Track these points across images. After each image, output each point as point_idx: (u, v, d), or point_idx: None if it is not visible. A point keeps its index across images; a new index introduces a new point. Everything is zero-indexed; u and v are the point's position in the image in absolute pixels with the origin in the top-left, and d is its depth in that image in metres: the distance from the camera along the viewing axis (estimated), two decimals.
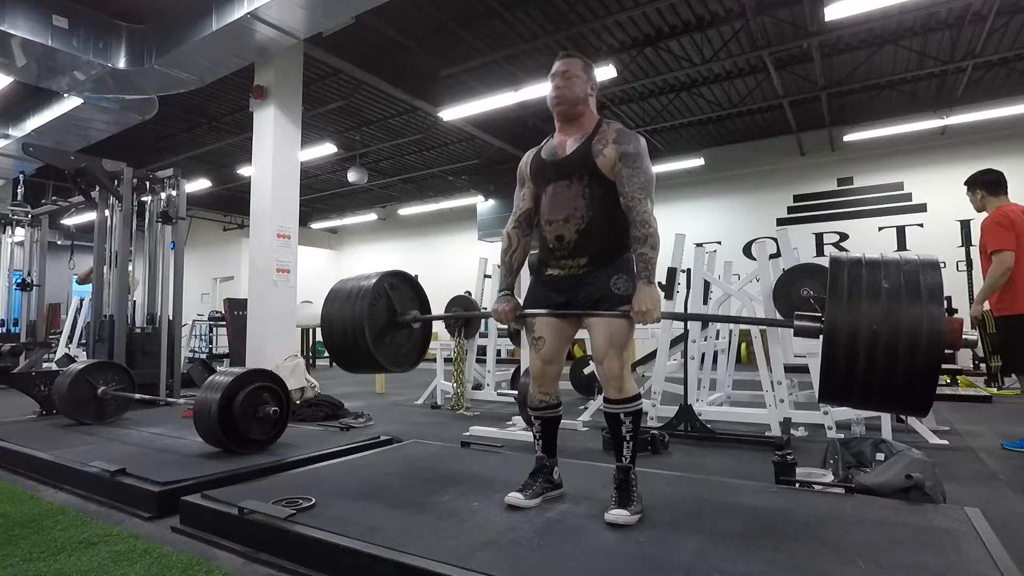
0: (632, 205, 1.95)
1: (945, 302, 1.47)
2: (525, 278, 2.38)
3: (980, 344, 3.81)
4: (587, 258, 2.01)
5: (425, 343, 2.61)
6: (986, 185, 3.68)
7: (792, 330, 1.80)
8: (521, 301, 2.20)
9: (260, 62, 6.06)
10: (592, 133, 2.05)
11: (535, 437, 2.19)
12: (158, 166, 8.53)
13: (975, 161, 9.21)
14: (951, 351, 1.43)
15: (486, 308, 5.77)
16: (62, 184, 10.04)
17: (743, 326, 5.44)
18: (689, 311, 4.33)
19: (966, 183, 3.79)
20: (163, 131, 9.68)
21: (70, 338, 7.65)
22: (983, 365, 6.92)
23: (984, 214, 3.73)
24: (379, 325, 2.34)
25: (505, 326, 2.34)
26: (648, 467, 2.61)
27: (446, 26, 6.69)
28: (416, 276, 2.66)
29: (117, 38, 5.93)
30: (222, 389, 2.89)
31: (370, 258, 16.32)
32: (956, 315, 1.56)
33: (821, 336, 1.57)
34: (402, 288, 2.50)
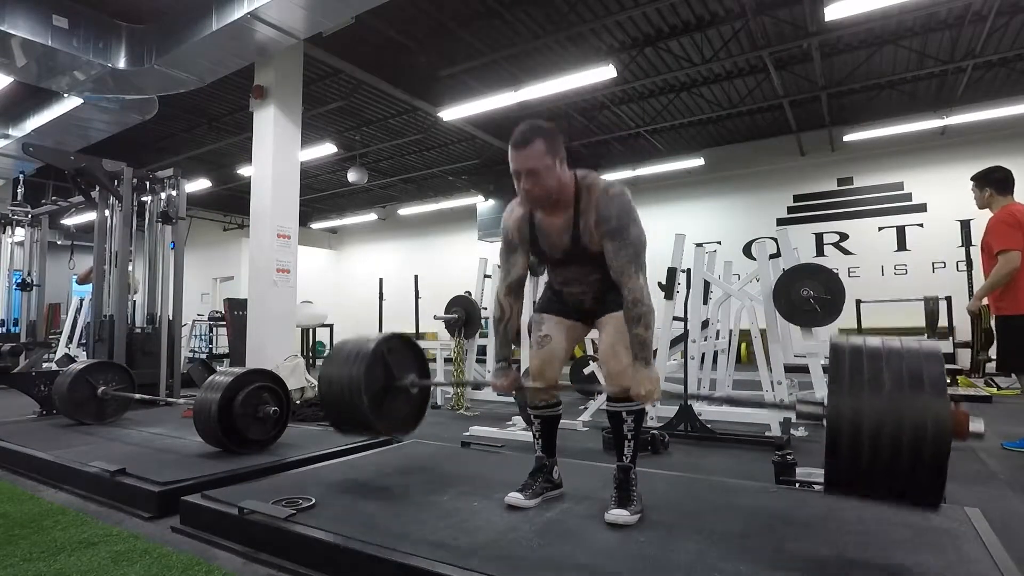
0: (622, 281, 1.87)
1: (949, 396, 1.45)
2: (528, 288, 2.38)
3: (971, 336, 3.82)
4: (606, 293, 2.03)
5: (423, 406, 2.56)
6: (996, 183, 3.67)
7: (796, 415, 1.77)
8: (530, 312, 2.19)
9: (260, 62, 6.06)
10: (575, 214, 1.94)
11: (535, 436, 2.20)
12: (158, 166, 8.52)
13: (975, 161, 9.17)
14: (959, 440, 1.39)
15: (486, 308, 5.78)
16: (62, 184, 10.03)
17: (743, 322, 5.43)
18: (689, 311, 4.33)
19: (974, 178, 3.77)
20: (163, 131, 9.68)
21: (70, 338, 7.65)
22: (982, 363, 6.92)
23: (985, 212, 3.72)
24: (376, 390, 2.32)
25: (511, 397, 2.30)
26: (648, 467, 2.61)
27: (446, 26, 6.69)
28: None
29: (117, 38, 5.92)
30: (222, 389, 2.89)
31: (370, 258, 16.32)
32: (961, 407, 1.52)
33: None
34: (401, 351, 2.47)
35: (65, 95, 6.87)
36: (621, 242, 1.87)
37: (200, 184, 11.63)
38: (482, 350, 5.86)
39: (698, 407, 4.01)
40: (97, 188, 5.29)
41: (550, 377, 2.12)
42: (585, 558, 1.63)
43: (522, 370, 2.20)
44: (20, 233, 7.32)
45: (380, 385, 2.33)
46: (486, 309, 5.79)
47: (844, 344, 1.57)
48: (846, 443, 1.44)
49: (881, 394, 1.43)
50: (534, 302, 2.22)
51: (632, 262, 1.86)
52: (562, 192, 1.93)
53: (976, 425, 1.49)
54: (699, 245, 4.76)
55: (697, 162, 10.45)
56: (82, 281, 6.12)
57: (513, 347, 2.22)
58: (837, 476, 1.50)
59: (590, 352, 7.00)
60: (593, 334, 2.17)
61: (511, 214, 2.12)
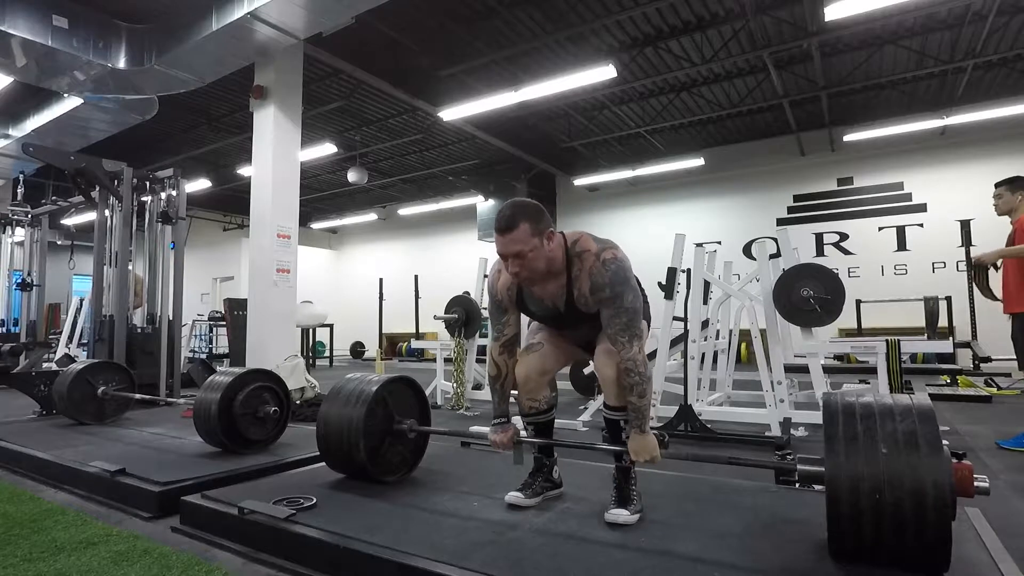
0: (615, 349, 1.84)
1: (948, 452, 1.44)
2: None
3: (972, 284, 3.87)
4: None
5: (421, 449, 2.57)
6: None
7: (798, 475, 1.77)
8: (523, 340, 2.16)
9: (260, 62, 6.06)
10: (568, 282, 1.89)
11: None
12: (158, 166, 8.52)
13: (975, 161, 9.28)
14: (965, 497, 1.37)
15: (485, 308, 5.77)
16: (62, 184, 10.05)
17: (743, 322, 5.42)
18: (689, 311, 4.33)
19: (1006, 183, 3.82)
20: (163, 131, 9.68)
21: (70, 338, 7.64)
22: (983, 365, 6.92)
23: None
24: (375, 434, 2.32)
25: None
26: (648, 467, 2.60)
27: (446, 26, 6.69)
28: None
29: (117, 38, 5.93)
30: (222, 389, 2.89)
31: (370, 258, 16.32)
32: (964, 459, 1.49)
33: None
34: (401, 393, 2.47)
35: (65, 95, 6.87)
36: (616, 310, 1.82)
37: (200, 184, 11.63)
38: (482, 350, 5.86)
39: (698, 407, 4.01)
40: (97, 188, 5.29)
41: (537, 382, 2.06)
42: (585, 558, 1.63)
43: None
44: (20, 233, 7.32)
45: (379, 429, 2.34)
46: (485, 309, 5.78)
47: (836, 403, 1.57)
48: (846, 514, 1.44)
49: (878, 460, 1.43)
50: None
51: (626, 330, 1.81)
52: (552, 265, 1.87)
53: (981, 482, 1.47)
54: (699, 245, 4.76)
55: (697, 162, 10.45)
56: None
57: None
58: (841, 544, 1.50)
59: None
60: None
61: (498, 278, 2.04)
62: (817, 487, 2.36)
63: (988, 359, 6.55)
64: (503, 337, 2.07)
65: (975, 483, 1.46)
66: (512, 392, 2.14)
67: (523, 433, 2.13)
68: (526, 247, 1.80)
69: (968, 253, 7.75)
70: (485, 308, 5.78)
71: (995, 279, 3.86)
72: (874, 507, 1.40)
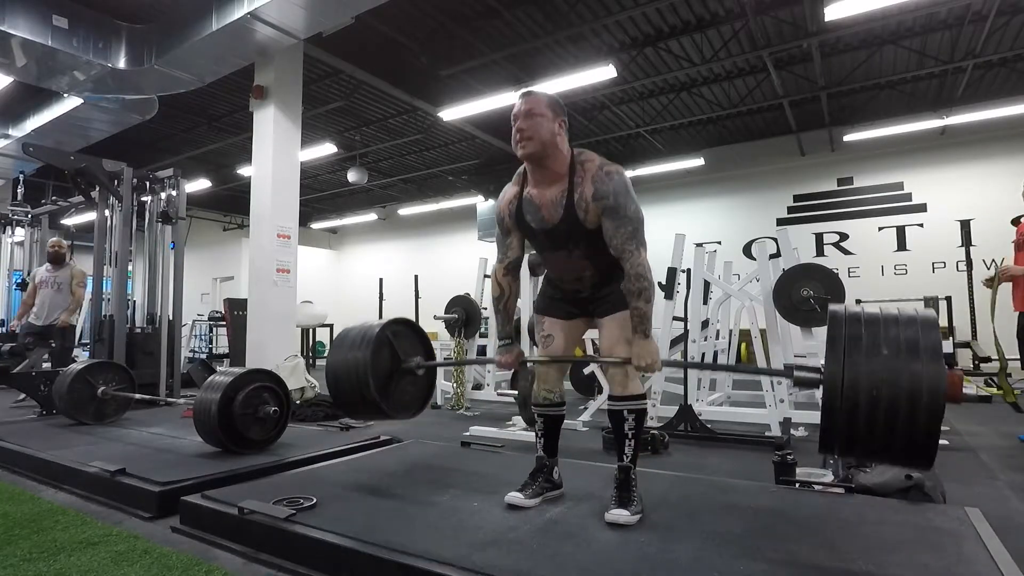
0: (624, 258, 1.88)
1: (943, 358, 1.48)
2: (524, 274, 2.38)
3: (983, 288, 3.84)
4: (602, 286, 2.04)
5: (430, 389, 2.60)
6: None
7: (792, 381, 1.80)
8: (529, 310, 2.21)
9: (260, 62, 6.06)
10: (569, 186, 1.92)
11: (537, 436, 2.19)
12: (158, 166, 8.52)
13: (975, 161, 9.28)
14: (953, 403, 1.43)
15: (485, 308, 5.78)
16: (62, 184, 10.02)
17: (743, 322, 5.43)
18: (689, 311, 4.34)
19: None
20: (163, 131, 9.67)
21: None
22: (983, 365, 6.92)
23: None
24: (383, 373, 2.33)
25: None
26: (648, 467, 2.61)
27: (446, 26, 6.69)
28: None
29: (117, 38, 5.92)
30: (222, 389, 2.89)
31: (370, 258, 16.31)
32: (956, 369, 1.53)
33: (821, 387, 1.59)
34: (405, 335, 2.48)
35: (65, 95, 6.87)
36: (620, 219, 1.87)
37: (200, 184, 11.63)
38: (482, 350, 5.87)
39: (698, 407, 4.02)
40: (97, 188, 5.30)
41: (555, 376, 2.16)
42: (585, 558, 1.63)
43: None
44: (20, 233, 7.32)
45: (387, 369, 2.35)
46: (486, 309, 5.79)
47: (842, 311, 1.59)
48: (843, 411, 1.46)
49: (877, 361, 1.45)
50: (533, 303, 2.23)
51: (632, 238, 1.87)
52: (555, 154, 1.93)
53: (968, 390, 1.52)
54: (699, 245, 4.76)
55: (697, 162, 10.44)
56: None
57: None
58: (833, 439, 1.52)
59: (590, 353, 7.00)
60: (592, 333, 2.18)
61: (503, 196, 2.14)
62: (817, 486, 2.36)
63: (988, 359, 6.55)
64: (506, 260, 2.15)
65: (964, 391, 1.51)
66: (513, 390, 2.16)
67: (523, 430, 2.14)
68: (539, 110, 1.90)
69: (968, 253, 7.76)
70: (485, 308, 5.81)
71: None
72: (870, 403, 1.43)
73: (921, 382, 1.41)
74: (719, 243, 10.48)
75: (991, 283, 3.77)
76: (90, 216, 6.25)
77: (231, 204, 13.99)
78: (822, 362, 1.55)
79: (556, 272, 2.14)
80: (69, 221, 8.77)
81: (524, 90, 2.02)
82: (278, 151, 5.97)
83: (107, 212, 5.41)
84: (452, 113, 8.08)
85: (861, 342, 1.49)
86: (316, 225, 16.22)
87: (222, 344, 11.63)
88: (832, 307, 1.63)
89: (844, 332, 1.52)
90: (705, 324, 4.73)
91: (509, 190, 2.11)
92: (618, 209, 1.87)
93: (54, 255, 5.48)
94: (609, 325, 2.01)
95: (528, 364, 2.19)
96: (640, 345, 1.88)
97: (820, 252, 10.33)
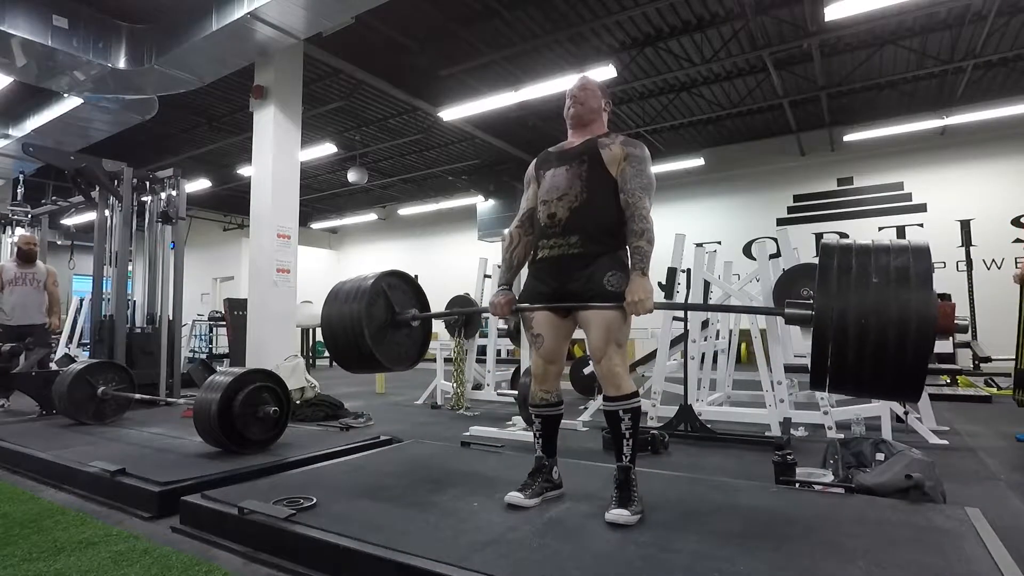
0: (632, 201, 2.00)
1: (935, 289, 1.46)
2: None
3: (1019, 314, 3.70)
4: (577, 237, 2.03)
5: (425, 341, 2.61)
6: None
7: (784, 318, 1.79)
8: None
9: (260, 62, 6.06)
10: (602, 134, 2.16)
11: (535, 436, 2.20)
12: (158, 166, 8.52)
13: (975, 161, 9.28)
14: (945, 337, 1.40)
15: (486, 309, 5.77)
16: (62, 184, 10.03)
17: (743, 322, 5.43)
18: (689, 313, 4.33)
19: None
20: (163, 131, 9.67)
21: (70, 338, 7.64)
22: (983, 365, 6.92)
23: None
24: (378, 324, 2.34)
25: (504, 324, 2.37)
26: (648, 467, 2.61)
27: (446, 26, 6.69)
28: (416, 276, 2.66)
29: (117, 38, 5.92)
30: (222, 389, 2.89)
31: (370, 258, 16.31)
32: (948, 303, 1.51)
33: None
34: (400, 287, 2.51)
35: (65, 95, 6.86)
36: (639, 170, 2.04)
37: (200, 184, 11.63)
38: (482, 350, 5.86)
39: (698, 407, 4.01)
40: (97, 188, 5.29)
41: (553, 377, 2.16)
42: (585, 558, 1.63)
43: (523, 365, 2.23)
44: (20, 233, 7.31)
45: (382, 320, 2.36)
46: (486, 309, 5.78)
47: (833, 243, 1.58)
48: (833, 342, 1.45)
49: (867, 290, 1.44)
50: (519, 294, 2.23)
51: (645, 190, 2.03)
52: (597, 120, 2.22)
53: (961, 321, 1.49)
54: (699, 245, 4.76)
55: (697, 162, 10.44)
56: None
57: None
58: (823, 373, 1.51)
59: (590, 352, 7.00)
60: (582, 333, 2.15)
61: (535, 160, 2.29)
62: (817, 486, 2.36)
63: (988, 359, 6.55)
64: (522, 212, 2.26)
65: (955, 321, 1.48)
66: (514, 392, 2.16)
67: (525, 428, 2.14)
68: (591, 91, 2.22)
69: (968, 253, 7.76)
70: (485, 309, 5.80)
71: (1002, 282, 3.83)
72: (859, 334, 1.42)
73: (910, 310, 1.39)
74: (719, 243, 10.48)
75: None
76: (90, 216, 6.25)
77: (231, 204, 13.99)
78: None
79: (545, 192, 2.12)
80: (69, 221, 8.77)
81: (582, 77, 2.27)
82: (278, 151, 5.97)
83: (107, 212, 5.41)
84: (452, 113, 8.08)
85: (851, 273, 1.48)
86: (316, 225, 16.22)
87: (222, 344, 11.64)
88: (824, 239, 1.62)
89: (835, 261, 1.51)
90: (705, 324, 4.73)
91: (543, 153, 2.28)
92: (641, 160, 2.06)
93: (28, 252, 5.19)
94: (596, 322, 1.97)
95: (522, 316, 2.16)
96: (636, 281, 1.93)
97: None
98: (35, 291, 5.19)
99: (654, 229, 1.99)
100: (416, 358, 2.56)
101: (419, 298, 2.57)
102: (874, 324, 1.40)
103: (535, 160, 2.28)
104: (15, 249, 5.38)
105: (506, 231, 2.29)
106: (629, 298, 1.91)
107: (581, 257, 2.01)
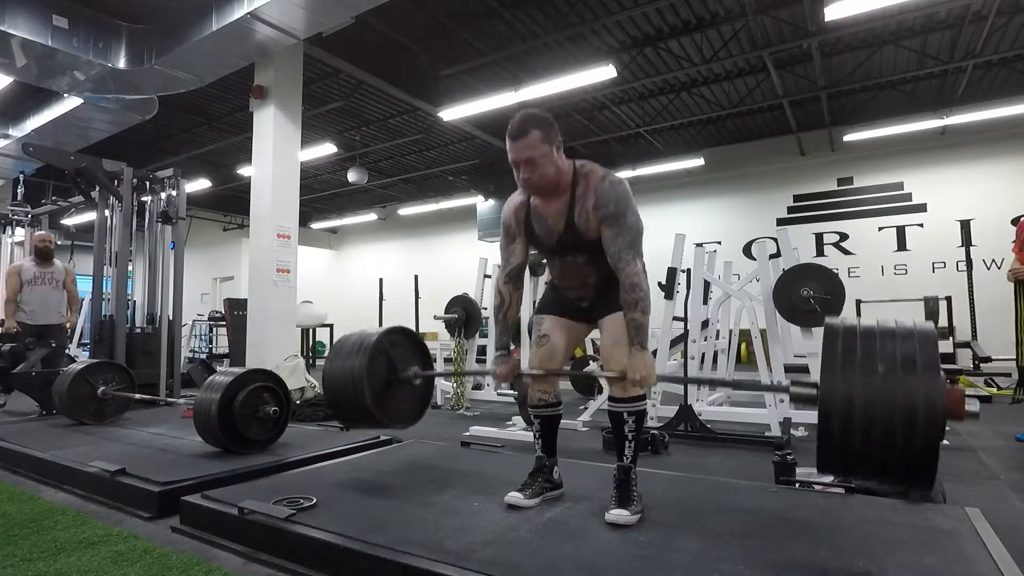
0: (620, 267, 1.89)
1: (944, 373, 1.44)
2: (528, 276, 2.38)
3: (1015, 312, 3.70)
4: (604, 294, 2.04)
5: (427, 398, 2.57)
6: None
7: (789, 396, 1.76)
8: (531, 310, 2.21)
9: (260, 62, 6.06)
10: (571, 197, 1.95)
11: (535, 436, 2.19)
12: (158, 166, 8.52)
13: (975, 161, 9.28)
14: (955, 420, 1.37)
15: (486, 308, 5.78)
16: (62, 184, 10.02)
17: (743, 322, 5.43)
18: (689, 311, 4.33)
19: None
20: (163, 131, 9.67)
21: (70, 338, 7.64)
22: (983, 364, 6.92)
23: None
24: (379, 382, 2.31)
25: (510, 390, 2.30)
26: (648, 467, 2.61)
27: (446, 26, 6.68)
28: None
29: (117, 38, 5.92)
30: (222, 389, 2.89)
31: (370, 258, 16.31)
32: (957, 387, 1.47)
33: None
34: (403, 344, 2.47)
35: (65, 95, 6.86)
36: (619, 228, 1.89)
37: (200, 184, 11.62)
38: (482, 350, 5.87)
39: (698, 407, 4.01)
40: (97, 188, 5.30)
41: (551, 377, 2.14)
42: (585, 558, 1.63)
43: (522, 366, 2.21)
44: (20, 233, 7.32)
45: (383, 378, 2.34)
46: (486, 309, 5.79)
47: (838, 325, 1.57)
48: (838, 428, 1.44)
49: (873, 376, 1.42)
50: (534, 303, 2.23)
51: (630, 248, 1.89)
52: (560, 179, 1.95)
53: (972, 406, 1.47)
54: (699, 245, 4.76)
55: (697, 162, 10.44)
56: None
57: (512, 346, 2.22)
58: (829, 458, 1.50)
59: (590, 352, 7.00)
60: (594, 333, 2.17)
61: (510, 203, 2.14)
62: (817, 486, 2.36)
63: (988, 359, 6.55)
64: (508, 266, 2.15)
65: (967, 407, 1.45)
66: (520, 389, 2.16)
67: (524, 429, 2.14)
68: (537, 153, 1.88)
69: (968, 253, 7.76)
70: (485, 308, 5.81)
71: (1002, 282, 3.83)
72: (864, 420, 1.40)
73: (918, 399, 1.37)
74: (719, 243, 10.47)
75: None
76: (90, 216, 6.25)
77: (231, 204, 13.99)
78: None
79: (560, 278, 2.14)
80: (69, 221, 8.77)
81: (513, 125, 1.91)
82: (278, 151, 5.97)
83: (107, 212, 5.41)
84: (452, 113, 8.08)
85: (856, 355, 1.46)
86: (316, 225, 16.22)
87: (222, 344, 11.64)
88: (828, 320, 1.60)
89: (840, 344, 1.50)
90: (705, 324, 4.73)
91: (516, 197, 2.12)
92: (618, 217, 1.89)
93: (45, 251, 5.24)
94: (611, 324, 2.00)
95: (524, 379, 2.14)
96: (636, 357, 1.86)
97: (820, 252, 10.33)
98: (55, 290, 5.26)
99: (648, 292, 1.88)
100: (418, 415, 2.52)
101: (422, 354, 2.54)
102: (880, 413, 1.39)
103: (513, 212, 2.10)
104: (32, 248, 5.43)
105: (494, 288, 2.22)
106: (630, 375, 1.85)
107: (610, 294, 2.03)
